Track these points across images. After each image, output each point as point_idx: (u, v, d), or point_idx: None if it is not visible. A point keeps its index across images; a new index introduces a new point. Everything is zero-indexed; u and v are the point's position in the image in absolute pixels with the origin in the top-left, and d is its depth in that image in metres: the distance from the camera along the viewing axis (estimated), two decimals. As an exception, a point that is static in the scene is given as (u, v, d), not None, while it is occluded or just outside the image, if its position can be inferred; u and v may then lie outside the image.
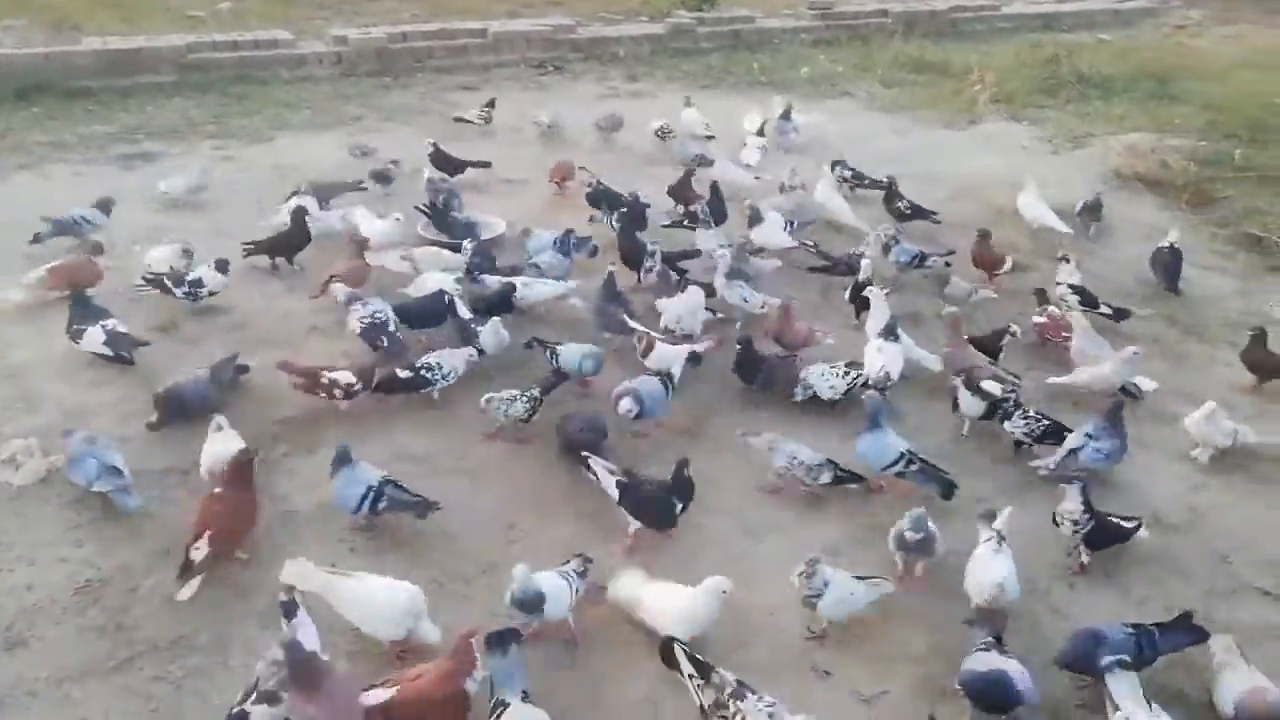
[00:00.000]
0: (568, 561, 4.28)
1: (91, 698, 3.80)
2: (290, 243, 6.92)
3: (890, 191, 8.28)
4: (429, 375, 5.54)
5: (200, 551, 4.22)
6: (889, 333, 5.99)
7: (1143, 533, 4.76)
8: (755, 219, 7.48)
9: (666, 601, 4.12)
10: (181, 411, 5.23)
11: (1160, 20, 17.41)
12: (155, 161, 8.96)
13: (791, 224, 7.72)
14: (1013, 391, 5.58)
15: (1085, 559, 4.73)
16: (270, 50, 11.96)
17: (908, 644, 4.24)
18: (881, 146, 10.44)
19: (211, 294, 6.32)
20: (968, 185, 9.25)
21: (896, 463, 5.05)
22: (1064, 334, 6.45)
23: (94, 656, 3.96)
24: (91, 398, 5.52)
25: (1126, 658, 3.84)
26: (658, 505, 4.63)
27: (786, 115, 10.15)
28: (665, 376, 5.53)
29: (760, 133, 9.76)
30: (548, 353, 5.78)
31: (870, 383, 5.82)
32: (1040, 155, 10.47)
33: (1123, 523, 4.74)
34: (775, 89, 11.94)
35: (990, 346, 6.22)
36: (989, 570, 4.22)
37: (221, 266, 6.38)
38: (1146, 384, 6.17)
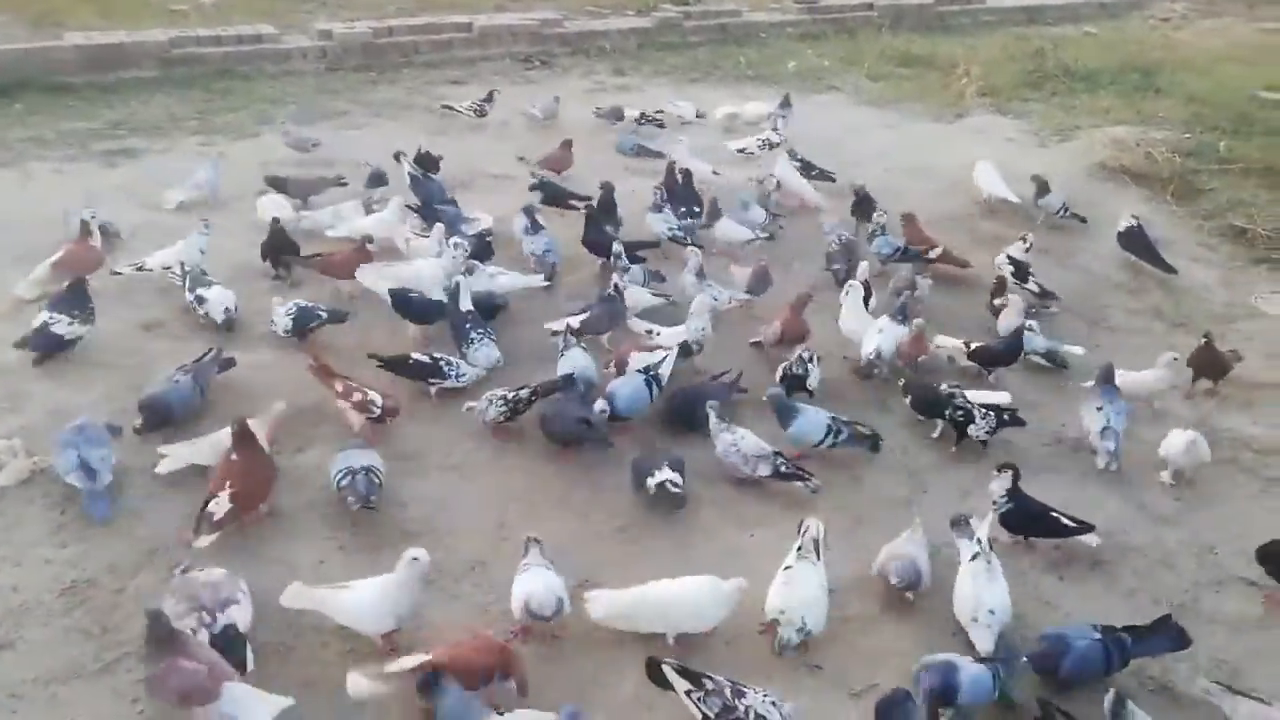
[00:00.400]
0: (526, 553, 4.22)
1: (78, 700, 3.77)
2: (272, 247, 6.79)
3: (862, 198, 8.04)
4: (445, 368, 5.56)
5: (221, 506, 4.35)
6: (899, 314, 6.11)
7: (1091, 539, 4.76)
8: (715, 214, 7.49)
9: (688, 598, 4.12)
10: (167, 419, 5.18)
11: (1145, 13, 17.45)
12: (138, 158, 8.88)
13: (769, 215, 7.87)
14: (962, 402, 5.54)
15: (1007, 537, 4.81)
16: (254, 45, 11.85)
17: (897, 639, 4.25)
18: (869, 140, 10.45)
19: (207, 315, 6.13)
20: (955, 178, 9.25)
21: (828, 435, 5.23)
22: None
23: (80, 658, 3.93)
24: (78, 397, 5.45)
25: (1128, 701, 3.77)
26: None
27: (786, 103, 10.25)
28: (652, 376, 5.52)
29: (776, 128, 9.72)
30: (563, 345, 5.77)
31: (861, 361, 5.96)
32: (1026, 148, 10.48)
33: (1063, 519, 4.73)
34: (762, 83, 11.93)
35: (1004, 356, 6.14)
36: (980, 598, 4.15)
37: (228, 321, 6.09)
38: (1075, 350, 6.41)
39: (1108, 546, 4.89)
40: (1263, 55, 13.82)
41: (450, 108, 10.19)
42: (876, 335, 6.02)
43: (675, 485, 4.81)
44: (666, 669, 3.72)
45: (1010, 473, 4.73)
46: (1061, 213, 8.44)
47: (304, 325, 5.96)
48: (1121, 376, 5.90)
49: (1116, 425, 5.44)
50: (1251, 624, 4.48)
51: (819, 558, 4.23)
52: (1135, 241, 7.86)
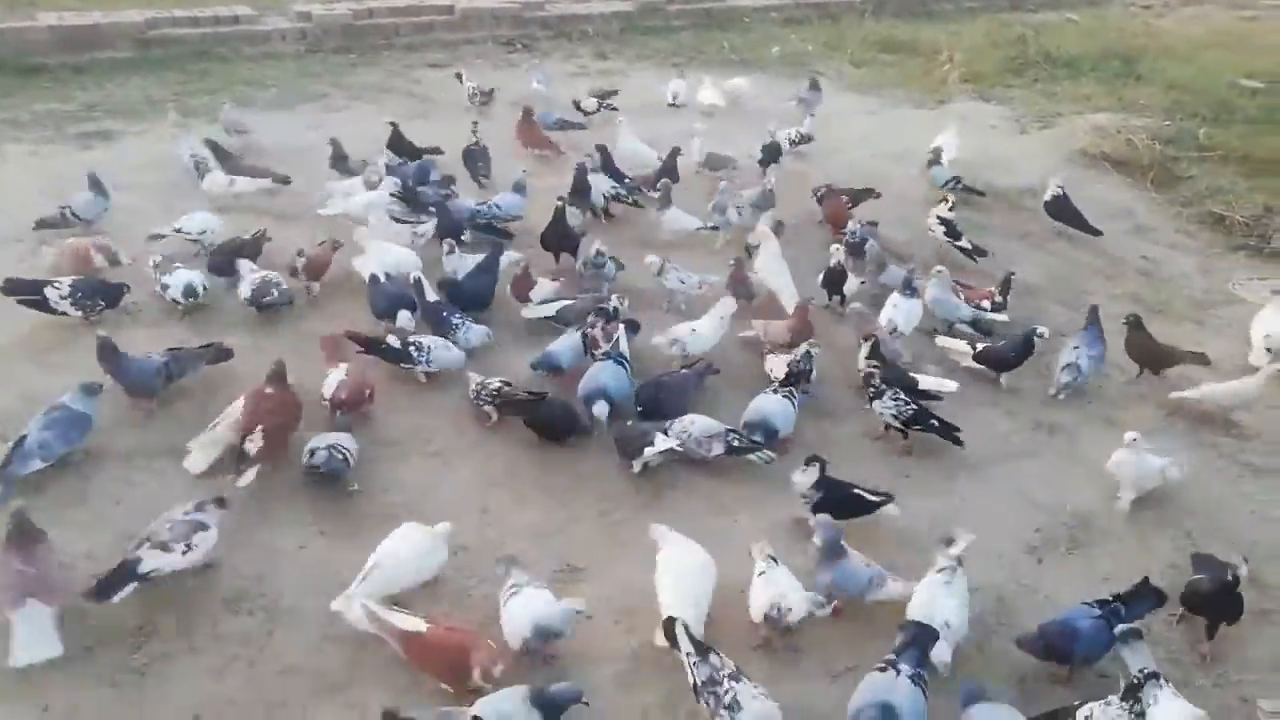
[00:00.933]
0: (507, 576, 4.07)
1: (54, 686, 3.75)
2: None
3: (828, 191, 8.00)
4: (415, 353, 5.56)
5: (255, 444, 4.63)
6: (906, 288, 6.31)
7: (891, 509, 4.75)
8: (666, 201, 7.37)
9: (694, 574, 4.19)
10: (113, 367, 5.15)
11: (1127, 0, 17.51)
12: (115, 141, 8.76)
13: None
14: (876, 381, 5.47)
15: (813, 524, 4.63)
16: (232, 26, 11.71)
17: (876, 623, 4.25)
18: (851, 126, 10.43)
19: (174, 301, 6.03)
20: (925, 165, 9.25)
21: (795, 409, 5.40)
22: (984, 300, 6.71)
23: (58, 643, 3.90)
24: (56, 380, 5.34)
25: (1138, 628, 3.87)
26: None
27: (815, 86, 10.32)
28: (620, 357, 5.54)
29: (811, 113, 9.65)
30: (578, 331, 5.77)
31: (879, 330, 6.09)
32: (1008, 135, 10.51)
33: (866, 495, 4.72)
34: (747, 68, 11.90)
35: (1013, 360, 5.99)
36: (933, 613, 4.03)
37: (189, 294, 6.01)
38: (999, 316, 6.52)
39: (1086, 530, 4.94)
40: (1243, 43, 13.92)
41: (460, 78, 10.09)
42: (890, 309, 6.24)
43: (679, 449, 5.00)
44: (679, 628, 3.78)
45: (817, 465, 4.69)
46: (951, 184, 8.41)
47: (262, 296, 5.99)
48: (1215, 387, 5.88)
49: (1082, 363, 5.91)
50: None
51: (779, 564, 4.22)
52: (1062, 208, 8.11)
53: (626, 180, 7.90)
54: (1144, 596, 4.24)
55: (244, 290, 6.02)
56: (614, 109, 9.73)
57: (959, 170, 8.70)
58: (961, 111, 11.04)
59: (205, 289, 6.07)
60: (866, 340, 5.82)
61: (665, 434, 5.02)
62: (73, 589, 4.00)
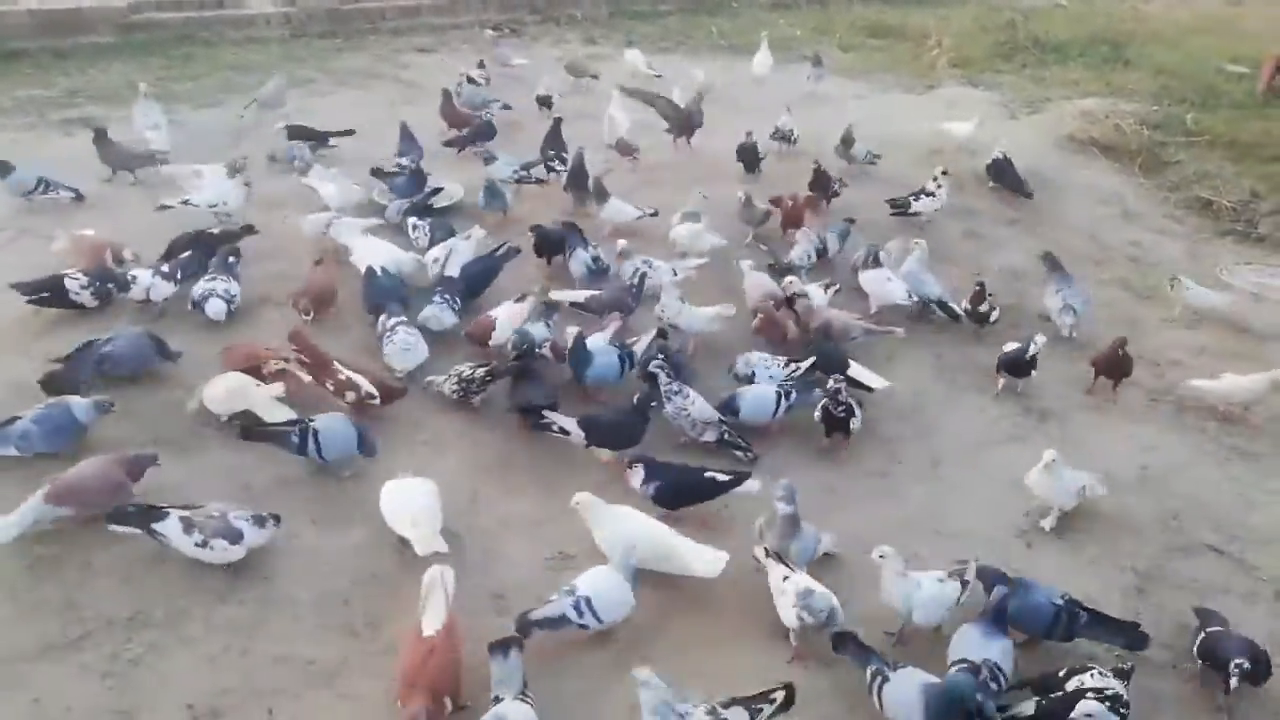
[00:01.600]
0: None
1: (46, 676, 3.73)
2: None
3: (818, 174, 8.01)
4: (385, 336, 5.58)
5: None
6: (874, 261, 6.57)
7: (752, 485, 4.67)
8: (601, 195, 7.33)
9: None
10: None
11: (1114, -15, 17.51)
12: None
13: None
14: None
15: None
16: (216, 10, 11.62)
17: (865, 607, 4.28)
18: (840, 111, 10.39)
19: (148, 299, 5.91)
20: (925, 150, 9.25)
21: (779, 404, 5.29)
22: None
23: (47, 634, 3.88)
24: (42, 372, 5.35)
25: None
26: (619, 428, 5.02)
27: (817, 62, 10.68)
28: (625, 352, 5.51)
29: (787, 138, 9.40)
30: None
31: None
32: (997, 120, 10.49)
33: (719, 476, 4.65)
34: (735, 53, 11.86)
35: (1022, 366, 5.85)
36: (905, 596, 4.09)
37: (168, 273, 5.93)
38: (955, 308, 6.55)
39: (1074, 515, 4.96)
40: (1228, 28, 13.96)
41: (471, 80, 9.72)
42: (888, 284, 6.44)
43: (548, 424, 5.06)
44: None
45: (640, 465, 4.67)
46: (870, 159, 8.74)
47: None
48: (1230, 382, 5.80)
49: (1074, 302, 6.33)
50: (1216, 589, 4.56)
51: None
52: (1002, 171, 8.45)
53: (561, 156, 8.02)
54: (1120, 629, 4.12)
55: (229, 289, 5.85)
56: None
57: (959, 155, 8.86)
58: (950, 97, 11.07)
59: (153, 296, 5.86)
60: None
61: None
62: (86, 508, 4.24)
